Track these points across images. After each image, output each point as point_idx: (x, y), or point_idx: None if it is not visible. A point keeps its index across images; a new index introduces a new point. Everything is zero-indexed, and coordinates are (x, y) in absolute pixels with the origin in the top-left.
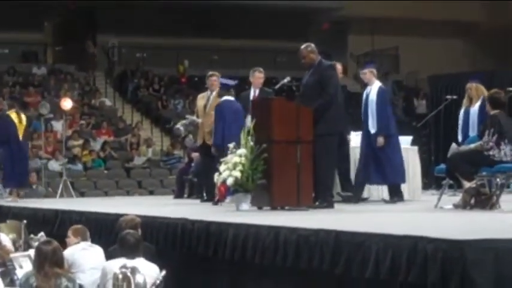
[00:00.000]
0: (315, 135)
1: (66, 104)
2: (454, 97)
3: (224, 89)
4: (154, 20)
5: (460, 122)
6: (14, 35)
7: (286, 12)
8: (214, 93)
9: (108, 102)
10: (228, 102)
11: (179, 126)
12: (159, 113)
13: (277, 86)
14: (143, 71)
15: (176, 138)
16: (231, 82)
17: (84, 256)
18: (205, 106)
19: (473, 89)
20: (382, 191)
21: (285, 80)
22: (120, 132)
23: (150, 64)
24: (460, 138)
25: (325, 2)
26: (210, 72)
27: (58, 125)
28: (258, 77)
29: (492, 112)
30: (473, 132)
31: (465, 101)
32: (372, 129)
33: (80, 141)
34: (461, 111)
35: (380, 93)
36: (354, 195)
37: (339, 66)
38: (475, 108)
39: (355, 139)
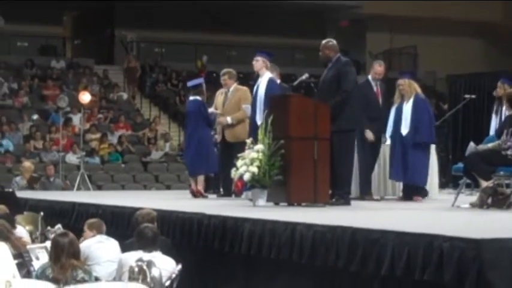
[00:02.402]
0: (332, 132)
1: (85, 97)
2: (473, 96)
3: (190, 87)
4: (173, 14)
5: (391, 118)
6: (32, 28)
7: (305, 10)
8: (231, 89)
9: (125, 96)
10: (190, 102)
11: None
12: (177, 108)
13: (295, 83)
14: (161, 65)
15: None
16: (191, 82)
17: (100, 249)
18: (223, 103)
19: (406, 85)
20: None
21: (304, 77)
22: (137, 126)
23: (168, 59)
24: (387, 135)
25: (344, 0)
26: (223, 71)
27: (76, 119)
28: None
29: (510, 112)
30: (405, 129)
31: (396, 98)
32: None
33: (98, 135)
34: (393, 108)
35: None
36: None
37: (379, 68)
38: (408, 104)
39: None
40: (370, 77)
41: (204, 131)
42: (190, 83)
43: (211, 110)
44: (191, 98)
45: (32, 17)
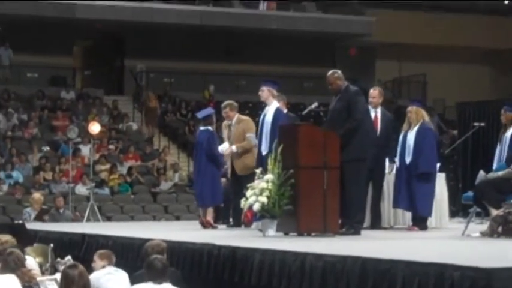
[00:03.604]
0: (342, 161)
1: (94, 128)
2: (482, 124)
3: (200, 118)
4: (181, 45)
5: (399, 146)
6: (43, 59)
7: (314, 38)
8: (234, 121)
9: (135, 127)
10: (201, 132)
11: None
12: (186, 138)
13: (304, 112)
14: (171, 95)
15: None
16: (202, 114)
17: (110, 281)
18: (229, 137)
19: (413, 112)
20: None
21: (313, 106)
22: (147, 157)
23: (177, 89)
24: (397, 163)
25: (352, 28)
26: (223, 104)
27: (86, 149)
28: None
29: None
30: (409, 157)
31: (405, 125)
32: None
33: (107, 166)
34: (401, 136)
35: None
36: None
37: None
38: (412, 132)
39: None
40: (369, 104)
41: (212, 162)
42: (200, 114)
43: (220, 148)
44: (202, 128)
45: (42, 47)
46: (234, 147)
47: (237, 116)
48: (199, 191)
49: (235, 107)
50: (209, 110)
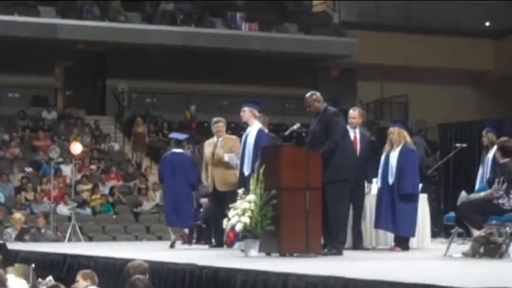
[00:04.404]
0: (323, 182)
1: (76, 148)
2: (464, 145)
3: (174, 141)
4: (164, 65)
5: (381, 167)
6: (24, 79)
7: (295, 59)
8: (220, 139)
9: (117, 147)
10: (172, 155)
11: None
12: None
13: (286, 132)
14: (153, 116)
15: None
16: (182, 136)
17: None
18: (213, 154)
19: (396, 133)
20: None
21: (295, 127)
22: (129, 177)
23: (159, 109)
24: (379, 184)
25: (333, 49)
26: (215, 119)
27: (67, 169)
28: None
29: (502, 160)
30: (391, 178)
31: (387, 146)
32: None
33: (89, 186)
34: (383, 156)
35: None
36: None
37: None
38: (395, 153)
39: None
40: (348, 125)
41: (186, 185)
42: (179, 136)
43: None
44: (177, 150)
45: (24, 67)
46: (226, 156)
47: (224, 134)
48: (170, 211)
49: (225, 124)
50: (185, 135)
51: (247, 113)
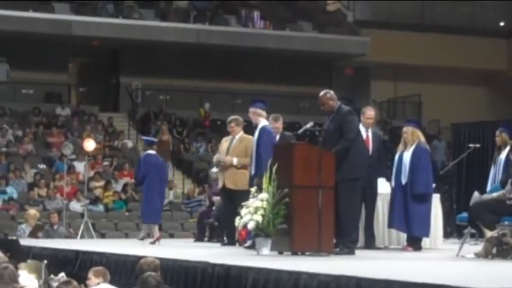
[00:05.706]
0: (336, 181)
1: (89, 145)
2: (477, 145)
3: (147, 144)
4: (178, 62)
5: (395, 167)
6: (38, 76)
7: (310, 58)
8: (237, 137)
9: (130, 144)
10: (148, 156)
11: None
12: (181, 156)
13: (300, 131)
14: (166, 113)
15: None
16: (153, 139)
17: None
18: (228, 149)
19: (409, 133)
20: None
21: (308, 125)
22: None
23: (173, 106)
24: (393, 184)
25: (348, 48)
26: (229, 118)
27: (80, 166)
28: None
29: None
30: (404, 178)
31: (400, 146)
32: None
33: (102, 183)
34: (396, 156)
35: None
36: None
37: (369, 112)
38: (408, 152)
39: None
40: (361, 124)
41: (162, 184)
42: (147, 138)
43: (215, 157)
44: (152, 152)
45: (38, 64)
46: (235, 160)
47: (241, 133)
48: (146, 209)
49: (240, 123)
50: (153, 139)
51: (251, 114)
